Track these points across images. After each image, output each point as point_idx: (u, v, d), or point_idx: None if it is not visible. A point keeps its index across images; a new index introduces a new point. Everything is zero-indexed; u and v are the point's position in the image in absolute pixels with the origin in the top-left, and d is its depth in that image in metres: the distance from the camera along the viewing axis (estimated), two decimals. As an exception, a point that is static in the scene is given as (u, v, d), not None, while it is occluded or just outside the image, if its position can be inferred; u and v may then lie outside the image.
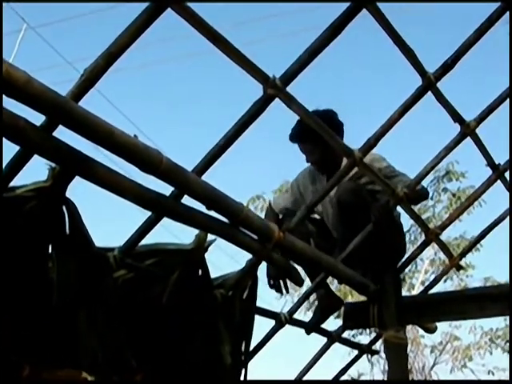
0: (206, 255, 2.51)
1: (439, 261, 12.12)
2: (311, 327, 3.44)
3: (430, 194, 12.55)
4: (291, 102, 2.18)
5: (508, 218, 3.64)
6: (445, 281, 11.73)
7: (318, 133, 3.07)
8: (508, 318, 11.56)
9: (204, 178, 2.13)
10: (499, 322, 12.94)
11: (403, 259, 3.53)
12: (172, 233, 5.11)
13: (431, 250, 11.64)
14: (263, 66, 2.07)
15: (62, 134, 1.66)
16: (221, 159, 2.18)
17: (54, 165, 1.80)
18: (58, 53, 18.62)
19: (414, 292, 12.07)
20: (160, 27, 1.85)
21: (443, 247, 3.60)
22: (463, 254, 3.95)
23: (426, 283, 4.90)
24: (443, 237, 3.58)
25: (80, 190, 2.15)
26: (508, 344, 12.79)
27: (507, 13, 2.56)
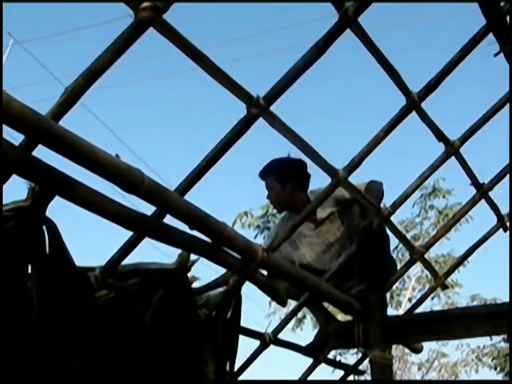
0: (191, 271, 2.49)
1: (426, 278, 12.14)
2: (305, 350, 3.43)
3: (417, 212, 12.63)
4: (275, 122, 2.16)
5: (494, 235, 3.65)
6: (432, 298, 11.77)
7: (283, 174, 3.17)
8: (494, 337, 11.61)
9: (190, 195, 2.11)
10: (486, 340, 12.97)
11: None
12: (160, 250, 5.09)
13: (418, 268, 11.66)
14: (251, 83, 2.06)
15: (45, 152, 1.64)
16: (207, 176, 2.15)
17: (33, 184, 1.78)
18: (46, 68, 18.63)
19: (401, 309, 12.07)
20: (145, 44, 1.84)
21: (428, 266, 3.59)
22: (448, 273, 3.94)
23: (413, 300, 4.89)
24: (431, 254, 3.58)
25: (62, 209, 2.13)
26: (495, 361, 12.81)
27: (490, 33, 2.57)
